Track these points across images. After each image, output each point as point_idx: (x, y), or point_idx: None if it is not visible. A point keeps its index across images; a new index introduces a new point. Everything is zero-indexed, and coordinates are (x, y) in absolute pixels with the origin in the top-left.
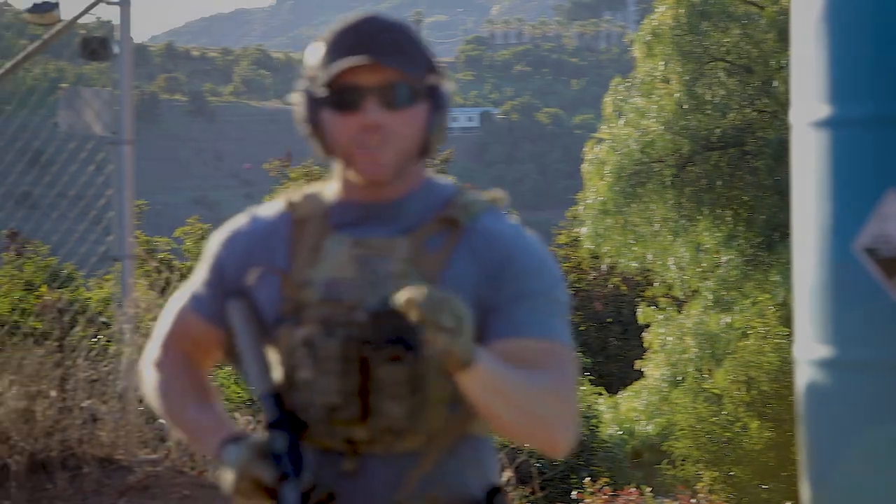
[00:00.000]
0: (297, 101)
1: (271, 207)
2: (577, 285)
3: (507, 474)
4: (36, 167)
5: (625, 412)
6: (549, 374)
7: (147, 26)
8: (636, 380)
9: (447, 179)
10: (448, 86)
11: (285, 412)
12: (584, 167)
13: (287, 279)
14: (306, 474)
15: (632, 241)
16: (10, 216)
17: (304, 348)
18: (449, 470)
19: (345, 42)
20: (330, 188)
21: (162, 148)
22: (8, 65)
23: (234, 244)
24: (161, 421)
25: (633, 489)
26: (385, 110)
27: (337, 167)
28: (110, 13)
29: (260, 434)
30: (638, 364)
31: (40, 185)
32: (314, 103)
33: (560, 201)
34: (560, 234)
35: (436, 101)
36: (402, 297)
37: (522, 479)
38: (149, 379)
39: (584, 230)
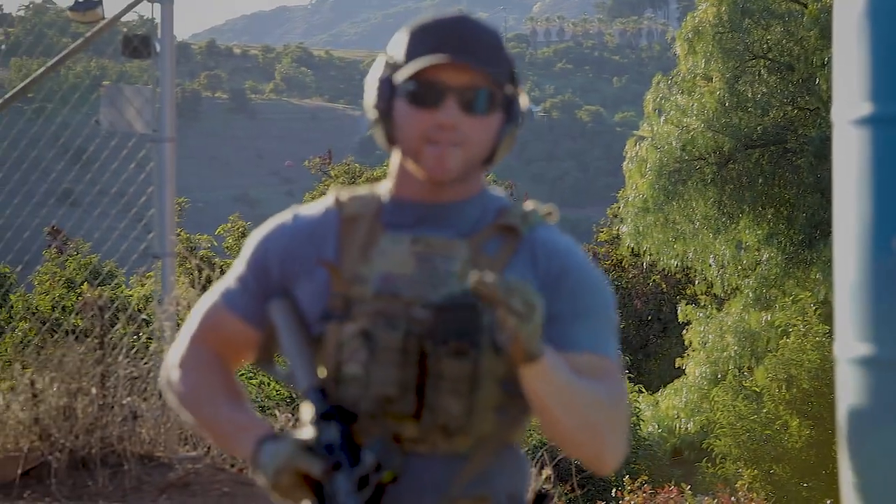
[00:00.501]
0: (371, 84)
1: (317, 206)
2: (618, 283)
3: (547, 472)
4: (77, 165)
5: (665, 410)
6: (604, 385)
7: (189, 24)
8: (676, 378)
9: (501, 190)
10: (524, 99)
11: (334, 405)
12: (625, 165)
13: (337, 273)
14: (368, 459)
15: (672, 239)
16: (52, 213)
17: (361, 339)
18: (492, 476)
19: (437, 37)
20: (382, 187)
21: (203, 145)
22: (50, 62)
23: (277, 241)
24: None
25: (672, 487)
26: (463, 113)
27: (395, 160)
28: (152, 11)
29: (301, 430)
30: (678, 362)
31: (82, 182)
32: (390, 91)
33: (600, 199)
34: (600, 231)
35: (510, 112)
36: (475, 278)
37: (562, 476)
38: (176, 377)
39: (624, 228)
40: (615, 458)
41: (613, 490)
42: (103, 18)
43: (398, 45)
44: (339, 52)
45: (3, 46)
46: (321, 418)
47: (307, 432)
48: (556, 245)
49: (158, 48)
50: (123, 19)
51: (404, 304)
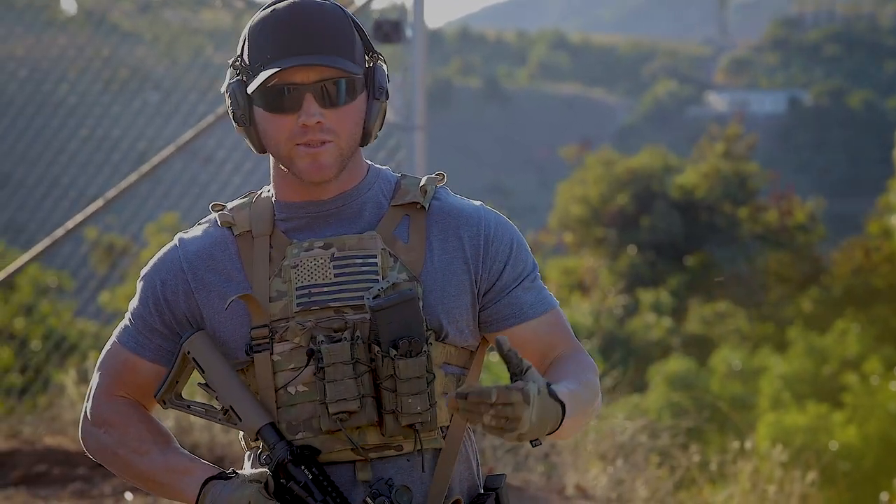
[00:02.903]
0: (226, 93)
1: (201, 228)
2: (889, 277)
3: (812, 475)
4: None
5: None
6: (577, 356)
7: (442, 12)
8: None
9: (382, 166)
10: (383, 68)
11: (300, 445)
12: None
13: (253, 301)
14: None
15: None
16: None
17: (302, 358)
18: (458, 468)
19: (278, 36)
20: (260, 196)
21: (454, 134)
22: None
23: (173, 274)
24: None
25: None
26: (325, 108)
27: (273, 166)
28: None
29: (250, 469)
30: None
31: None
32: (246, 98)
33: (871, 189)
34: (871, 223)
35: (373, 87)
36: (452, 404)
37: (829, 479)
38: (98, 437)
39: None
40: None
41: (883, 494)
42: (353, 4)
43: (243, 49)
44: (597, 37)
45: None
46: (292, 462)
47: (257, 473)
48: (467, 211)
49: (410, 34)
50: (374, 5)
51: (333, 312)
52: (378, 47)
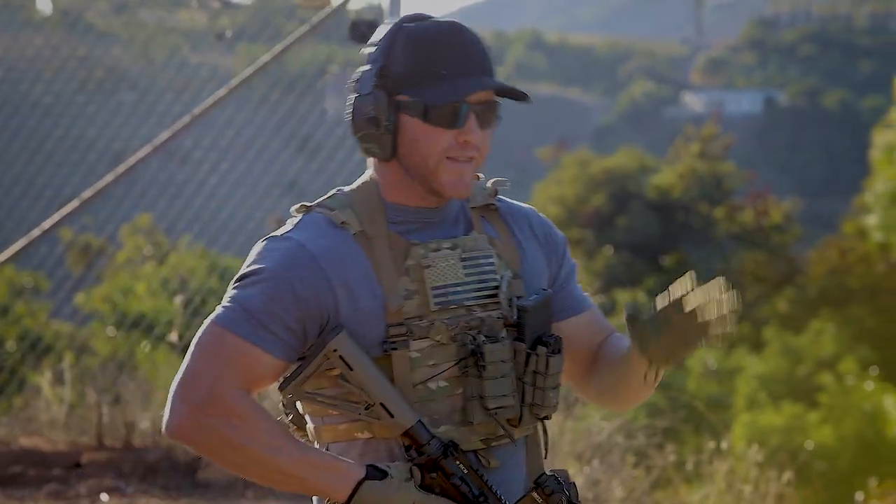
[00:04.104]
0: (367, 97)
1: (316, 230)
2: (865, 278)
3: (788, 475)
4: (303, 154)
5: None
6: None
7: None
8: None
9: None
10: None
11: (449, 439)
12: (873, 153)
13: (390, 300)
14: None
15: None
16: (277, 204)
17: (444, 357)
18: (539, 451)
19: (449, 52)
20: (362, 195)
21: None
22: (278, 48)
23: (312, 273)
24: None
25: None
26: (479, 129)
27: (386, 170)
28: None
29: (398, 465)
30: None
31: (308, 172)
32: (391, 105)
33: (847, 189)
34: (846, 223)
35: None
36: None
37: (804, 479)
38: (210, 427)
39: (872, 219)
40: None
41: (858, 494)
42: (330, 4)
43: (395, 58)
44: (574, 37)
45: (228, 34)
46: (444, 455)
47: (405, 469)
48: (531, 211)
49: None
50: (350, 5)
51: (465, 311)
52: (354, 47)
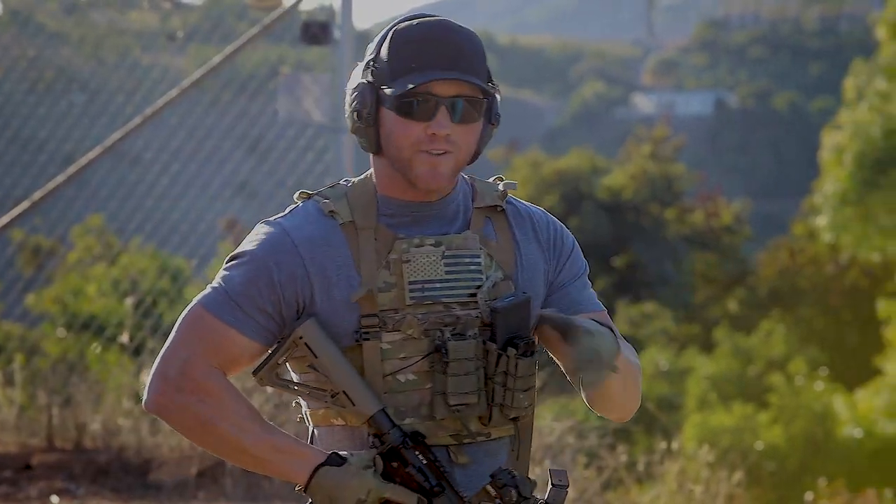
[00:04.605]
0: (354, 90)
1: (303, 217)
2: (814, 278)
3: (738, 475)
4: (254, 155)
5: (863, 411)
6: (626, 343)
7: (370, 13)
8: (873, 377)
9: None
10: (498, 98)
11: (413, 430)
12: (822, 154)
13: (369, 291)
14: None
15: (873, 232)
16: (229, 205)
17: (414, 350)
18: (525, 450)
19: (425, 49)
20: (360, 187)
21: None
22: (229, 49)
23: (290, 259)
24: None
25: (872, 492)
26: (453, 122)
27: (380, 164)
28: None
29: (360, 455)
30: (877, 361)
31: (259, 173)
32: (376, 98)
33: (796, 191)
34: (796, 225)
35: (490, 113)
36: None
37: (754, 479)
38: (184, 403)
39: (821, 220)
40: (636, 408)
41: (808, 493)
42: (282, 5)
43: (381, 52)
44: (525, 38)
45: (180, 35)
46: (404, 445)
47: (367, 457)
48: (537, 213)
49: (338, 35)
50: (302, 6)
51: (443, 307)
52: (305, 49)
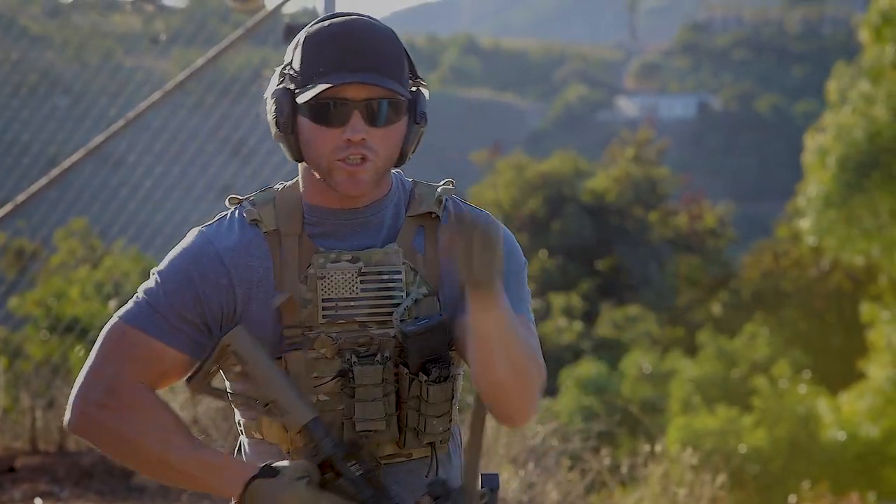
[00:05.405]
0: (270, 98)
1: (227, 226)
2: (798, 281)
3: (722, 478)
4: (237, 158)
5: (846, 414)
6: (532, 339)
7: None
8: (857, 381)
9: (397, 171)
10: (425, 94)
11: (348, 441)
12: (806, 157)
13: (293, 307)
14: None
15: (857, 235)
16: (212, 208)
17: (326, 371)
18: (451, 465)
19: (334, 51)
20: (282, 190)
21: None
22: (212, 52)
23: (214, 270)
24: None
25: (855, 495)
26: (369, 126)
27: (305, 171)
28: (315, 0)
29: (295, 464)
30: (860, 364)
31: (242, 176)
32: (291, 105)
33: (780, 193)
34: (780, 227)
35: (415, 112)
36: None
37: (738, 482)
38: (101, 420)
39: (805, 223)
40: (534, 412)
41: (791, 496)
42: (265, 8)
43: (294, 57)
44: (508, 41)
45: (162, 37)
46: (343, 458)
47: (301, 468)
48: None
49: None
50: (285, 9)
51: (358, 326)
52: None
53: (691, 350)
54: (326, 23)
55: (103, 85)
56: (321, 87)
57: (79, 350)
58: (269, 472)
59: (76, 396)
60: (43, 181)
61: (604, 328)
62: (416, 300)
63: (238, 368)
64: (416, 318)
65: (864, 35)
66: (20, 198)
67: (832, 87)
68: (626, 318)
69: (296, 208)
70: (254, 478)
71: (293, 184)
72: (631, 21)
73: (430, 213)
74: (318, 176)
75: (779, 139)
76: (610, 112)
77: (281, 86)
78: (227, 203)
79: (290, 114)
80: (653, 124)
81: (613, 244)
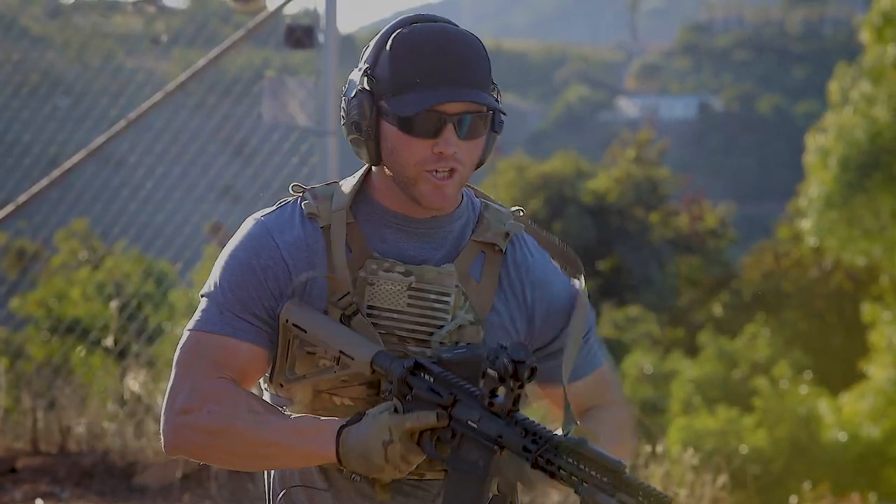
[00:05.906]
0: (352, 100)
1: (288, 218)
2: (798, 282)
3: (722, 479)
4: (239, 159)
5: (847, 415)
6: (615, 409)
7: (354, 17)
8: (858, 381)
9: (470, 188)
10: (501, 104)
11: (413, 357)
12: (807, 158)
13: (337, 282)
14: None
15: (858, 235)
16: (213, 209)
17: (365, 385)
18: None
19: (429, 62)
20: (350, 190)
21: None
22: (213, 53)
23: (275, 263)
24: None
25: (856, 496)
26: (460, 139)
27: (380, 173)
28: (317, 2)
29: (378, 406)
30: (861, 365)
31: (244, 177)
32: (375, 110)
33: (781, 194)
34: (781, 228)
35: (494, 122)
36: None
37: (739, 482)
38: (192, 424)
39: (806, 224)
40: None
41: (792, 497)
42: (266, 9)
43: (381, 61)
44: (508, 42)
45: (164, 38)
46: (411, 372)
47: (384, 405)
48: (535, 269)
49: (322, 39)
50: (287, 10)
51: (397, 340)
52: (290, 52)
53: (692, 351)
54: (417, 28)
55: (104, 85)
56: (424, 100)
57: (80, 351)
58: (355, 418)
59: (163, 415)
60: (44, 182)
61: (604, 329)
62: (459, 326)
63: (304, 346)
64: (457, 343)
65: (865, 35)
66: (21, 198)
67: (833, 88)
68: (627, 319)
69: (359, 204)
70: (342, 427)
71: (356, 181)
72: (631, 22)
73: (495, 244)
74: (395, 182)
75: (780, 140)
76: (611, 113)
77: (363, 88)
78: (291, 190)
79: (373, 119)
80: (653, 125)
81: (614, 245)
